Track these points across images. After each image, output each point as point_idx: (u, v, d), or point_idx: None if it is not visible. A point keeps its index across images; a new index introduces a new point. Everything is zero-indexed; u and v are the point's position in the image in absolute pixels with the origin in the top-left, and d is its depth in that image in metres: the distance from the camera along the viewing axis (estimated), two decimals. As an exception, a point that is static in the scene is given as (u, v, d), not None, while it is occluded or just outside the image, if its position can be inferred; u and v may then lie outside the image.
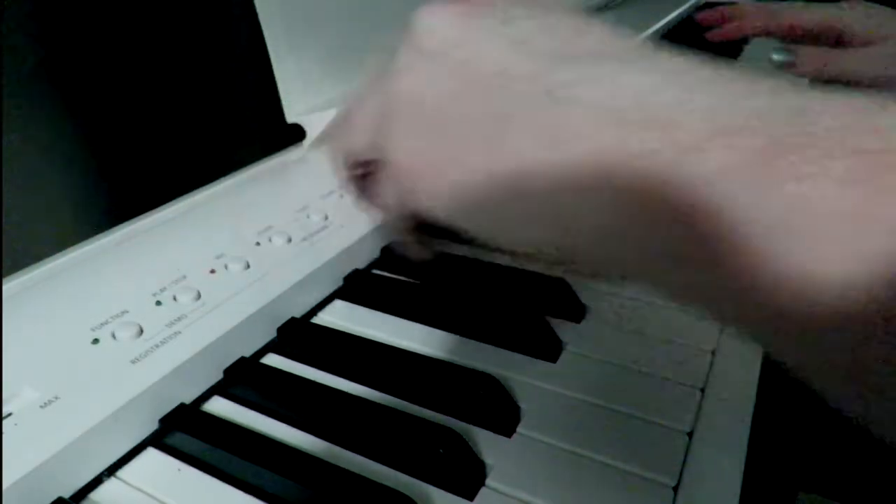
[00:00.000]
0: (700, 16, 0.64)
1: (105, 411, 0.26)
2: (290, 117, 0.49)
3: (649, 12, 1.06)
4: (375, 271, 0.39)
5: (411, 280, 0.38)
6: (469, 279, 0.37)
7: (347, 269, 0.37)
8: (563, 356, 0.32)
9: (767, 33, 0.58)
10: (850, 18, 0.54)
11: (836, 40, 0.54)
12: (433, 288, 0.37)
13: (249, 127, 0.54)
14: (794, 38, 0.56)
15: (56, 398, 0.26)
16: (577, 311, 0.34)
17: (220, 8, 0.49)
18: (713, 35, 0.60)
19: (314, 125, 0.49)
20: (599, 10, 1.06)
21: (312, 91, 0.50)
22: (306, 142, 0.50)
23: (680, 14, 1.12)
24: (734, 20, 0.60)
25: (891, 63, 0.51)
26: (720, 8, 0.63)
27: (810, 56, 0.52)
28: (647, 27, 0.95)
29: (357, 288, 0.37)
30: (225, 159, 0.52)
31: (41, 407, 0.26)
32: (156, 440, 0.27)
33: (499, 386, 0.29)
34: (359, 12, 0.55)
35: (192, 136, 0.50)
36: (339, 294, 0.37)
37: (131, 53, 0.44)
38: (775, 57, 0.53)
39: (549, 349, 0.32)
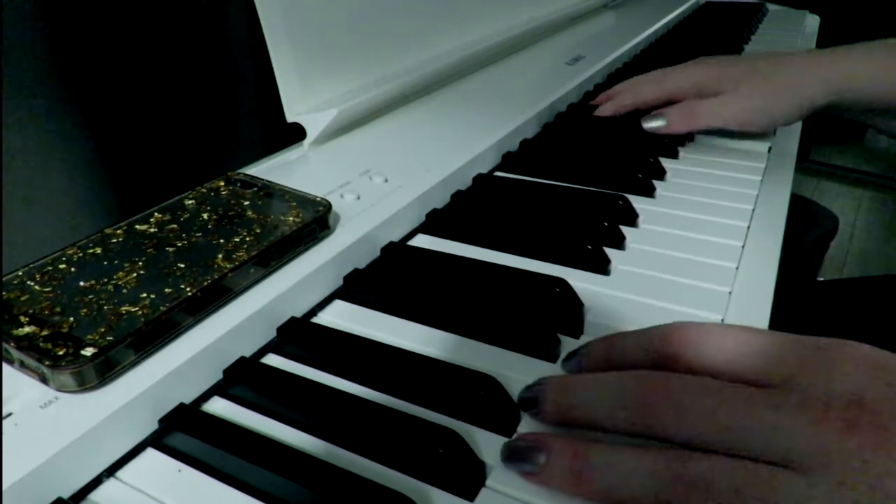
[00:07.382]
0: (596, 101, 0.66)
1: (105, 411, 0.26)
2: (290, 117, 0.49)
3: (649, 12, 1.07)
4: (375, 271, 0.39)
5: (411, 280, 0.37)
6: (468, 279, 0.37)
7: (347, 269, 0.37)
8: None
9: (637, 109, 0.60)
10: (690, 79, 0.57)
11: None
12: (433, 288, 0.37)
13: (249, 127, 0.54)
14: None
15: (56, 398, 0.26)
16: (577, 312, 0.34)
17: (220, 8, 0.49)
18: (600, 113, 0.63)
19: (314, 125, 0.49)
20: (599, 9, 1.06)
21: (312, 91, 0.50)
22: (306, 142, 0.50)
23: (680, 14, 1.12)
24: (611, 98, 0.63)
25: (743, 108, 0.54)
26: (607, 92, 0.65)
27: (678, 115, 0.56)
28: (648, 27, 0.96)
29: (357, 288, 0.37)
30: (225, 159, 0.52)
31: (41, 407, 0.26)
32: (155, 441, 0.27)
33: (499, 386, 0.28)
34: (359, 13, 0.55)
35: (193, 136, 0.50)
36: (339, 294, 0.37)
37: (132, 54, 0.44)
38: (649, 125, 0.56)
39: (549, 349, 0.32)
